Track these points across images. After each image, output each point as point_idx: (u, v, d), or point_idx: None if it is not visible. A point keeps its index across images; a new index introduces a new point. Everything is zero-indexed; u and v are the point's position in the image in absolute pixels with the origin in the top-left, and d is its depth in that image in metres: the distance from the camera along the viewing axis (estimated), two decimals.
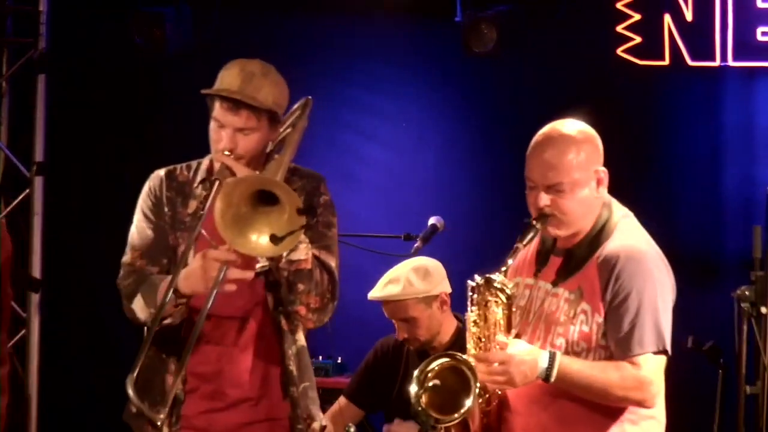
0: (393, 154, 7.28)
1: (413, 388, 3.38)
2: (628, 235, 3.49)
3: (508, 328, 3.44)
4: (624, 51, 6.83)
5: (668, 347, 3.44)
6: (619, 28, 6.83)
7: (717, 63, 6.74)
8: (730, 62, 6.73)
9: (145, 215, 3.79)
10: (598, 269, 3.44)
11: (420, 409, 3.37)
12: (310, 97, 3.79)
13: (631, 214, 3.57)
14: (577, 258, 3.49)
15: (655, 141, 6.76)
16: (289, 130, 3.73)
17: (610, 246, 3.45)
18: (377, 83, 7.24)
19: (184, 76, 6.61)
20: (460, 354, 3.43)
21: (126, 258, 3.79)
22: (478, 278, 3.46)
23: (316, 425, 3.80)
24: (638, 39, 6.82)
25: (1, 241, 3.72)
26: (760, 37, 6.72)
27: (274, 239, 3.43)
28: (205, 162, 3.83)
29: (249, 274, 3.59)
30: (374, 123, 7.29)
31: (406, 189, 7.14)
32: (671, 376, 3.57)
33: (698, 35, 6.76)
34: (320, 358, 6.44)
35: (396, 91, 7.24)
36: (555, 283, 3.51)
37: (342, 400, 5.13)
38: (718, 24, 6.72)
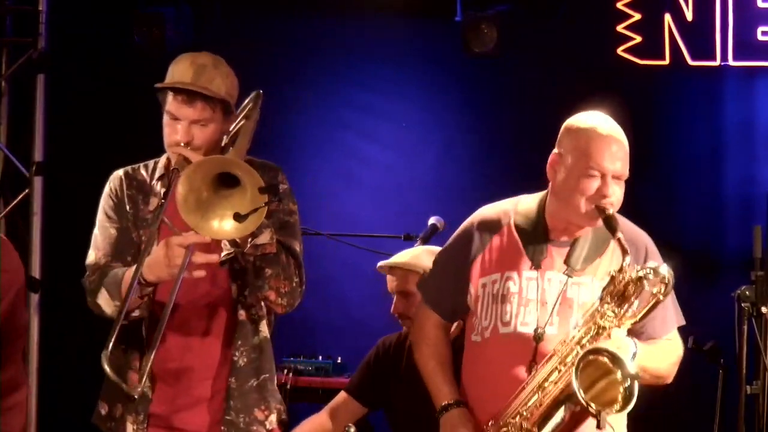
0: (393, 154, 7.27)
1: (575, 382, 3.26)
2: (630, 223, 3.60)
3: (643, 317, 3.37)
4: (624, 51, 6.83)
5: (684, 321, 3.59)
6: (620, 28, 6.84)
7: (717, 63, 6.75)
8: (731, 62, 6.74)
9: (108, 215, 3.81)
10: (624, 251, 3.44)
11: (583, 398, 3.26)
12: (260, 90, 3.80)
13: None
14: (589, 244, 3.53)
15: (655, 141, 6.76)
16: (242, 122, 3.74)
17: (626, 231, 3.50)
18: (377, 83, 7.23)
19: None
20: (606, 347, 3.32)
21: (90, 259, 3.80)
22: (646, 268, 3.35)
23: (273, 417, 3.79)
24: (638, 38, 6.82)
25: (15, 269, 3.74)
26: (760, 37, 6.73)
27: (238, 217, 3.44)
28: (162, 160, 3.85)
29: (214, 257, 3.59)
30: (374, 123, 7.28)
31: (406, 189, 7.13)
32: None
33: (698, 35, 6.77)
34: (320, 358, 6.43)
35: (396, 91, 7.23)
36: (570, 273, 3.49)
37: (343, 395, 5.12)
38: (719, 24, 6.72)
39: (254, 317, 3.75)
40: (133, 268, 3.61)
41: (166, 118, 3.73)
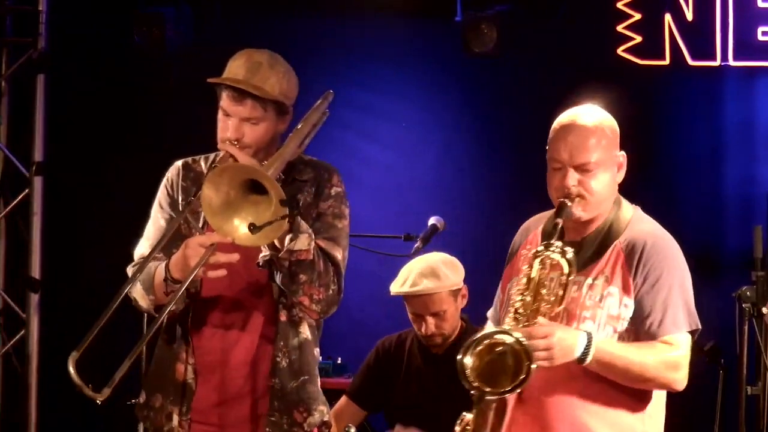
0: (393, 154, 7.27)
1: (462, 358, 3.27)
2: (648, 223, 3.56)
3: (561, 300, 3.37)
4: (624, 50, 6.83)
5: (699, 325, 3.49)
6: (620, 28, 6.83)
7: (717, 63, 6.75)
8: (731, 62, 6.73)
9: (160, 205, 3.79)
10: (624, 253, 3.46)
11: (467, 378, 3.28)
12: (331, 90, 3.78)
13: (638, 208, 3.61)
14: (595, 246, 3.51)
15: (655, 141, 6.76)
16: (300, 124, 3.73)
17: (634, 231, 3.50)
18: (377, 83, 7.23)
19: (184, 76, 6.60)
20: (512, 330, 3.30)
21: (138, 249, 3.78)
22: (539, 247, 3.40)
23: (312, 420, 3.77)
24: (639, 38, 6.82)
25: None
26: (760, 37, 6.73)
27: (252, 228, 3.41)
28: (222, 153, 3.82)
29: (234, 257, 3.55)
30: (374, 123, 7.28)
31: (406, 189, 7.13)
32: None
33: (699, 35, 6.77)
34: (320, 358, 6.42)
35: (396, 91, 7.23)
36: (570, 273, 3.45)
37: (344, 399, 5.13)
38: (719, 24, 6.72)
39: (295, 319, 3.72)
40: (163, 263, 3.60)
41: (219, 114, 3.71)
